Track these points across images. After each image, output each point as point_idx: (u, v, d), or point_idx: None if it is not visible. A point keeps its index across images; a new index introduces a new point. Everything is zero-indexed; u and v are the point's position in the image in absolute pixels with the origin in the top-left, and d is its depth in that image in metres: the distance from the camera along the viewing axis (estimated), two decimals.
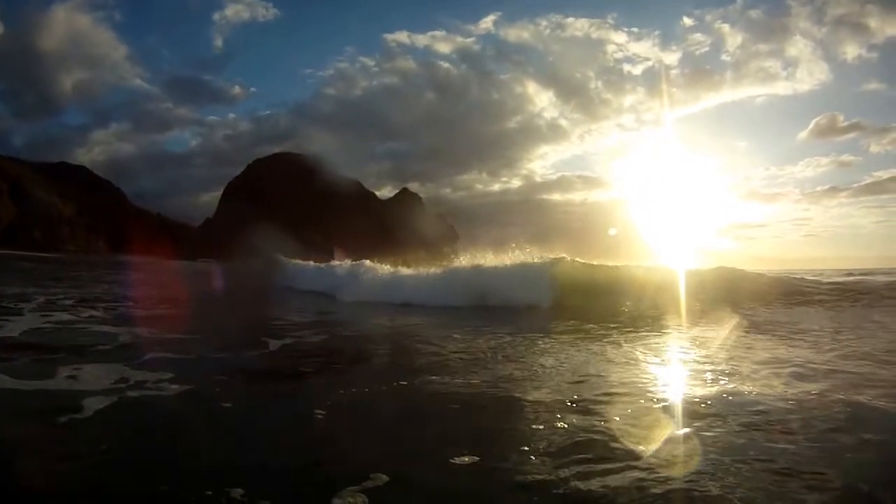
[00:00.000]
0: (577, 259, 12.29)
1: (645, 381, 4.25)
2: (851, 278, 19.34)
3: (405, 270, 14.75)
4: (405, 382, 4.21)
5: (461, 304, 10.53)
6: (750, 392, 3.80)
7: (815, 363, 4.87)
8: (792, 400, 3.60)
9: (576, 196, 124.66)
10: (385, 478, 2.34)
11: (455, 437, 2.92)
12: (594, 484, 2.31)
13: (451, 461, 2.55)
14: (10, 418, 3.18)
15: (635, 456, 2.60)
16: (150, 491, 2.24)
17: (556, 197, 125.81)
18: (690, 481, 2.31)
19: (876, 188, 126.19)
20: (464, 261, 13.32)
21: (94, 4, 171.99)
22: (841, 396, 3.63)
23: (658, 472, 2.41)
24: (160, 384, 3.94)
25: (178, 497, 2.19)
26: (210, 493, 2.19)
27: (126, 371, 4.27)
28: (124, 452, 2.67)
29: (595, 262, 12.54)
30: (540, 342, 6.24)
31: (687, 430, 2.99)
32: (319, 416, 3.28)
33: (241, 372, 4.63)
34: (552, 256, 12.05)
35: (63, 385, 3.86)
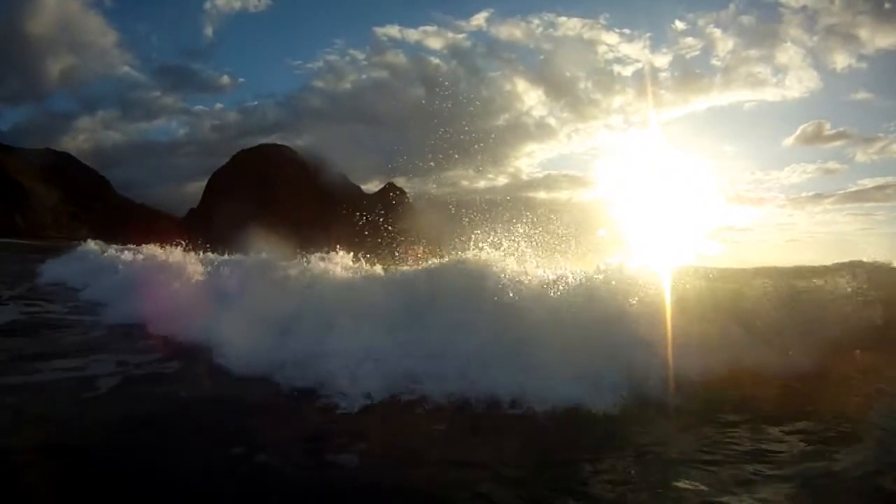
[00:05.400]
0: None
1: None
2: None
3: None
4: None
5: None
6: None
7: None
8: None
9: (561, 195, 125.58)
10: None
11: None
12: None
13: None
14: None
15: None
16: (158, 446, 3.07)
17: (541, 195, 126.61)
18: None
19: (861, 196, 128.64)
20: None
21: None
22: None
23: None
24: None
25: (187, 452, 3.01)
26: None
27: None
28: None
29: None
30: None
31: None
32: None
33: None
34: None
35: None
